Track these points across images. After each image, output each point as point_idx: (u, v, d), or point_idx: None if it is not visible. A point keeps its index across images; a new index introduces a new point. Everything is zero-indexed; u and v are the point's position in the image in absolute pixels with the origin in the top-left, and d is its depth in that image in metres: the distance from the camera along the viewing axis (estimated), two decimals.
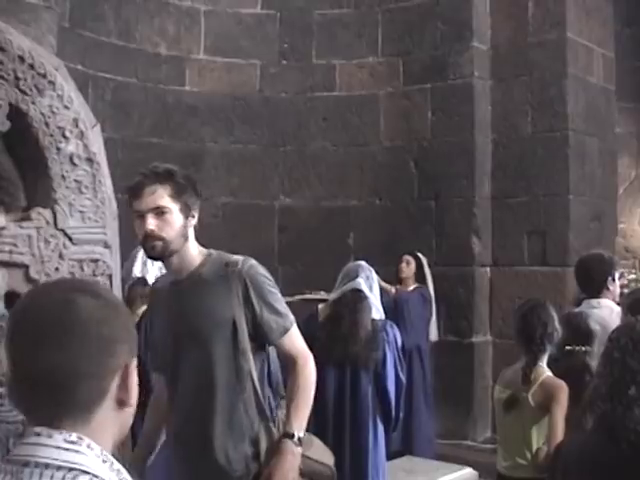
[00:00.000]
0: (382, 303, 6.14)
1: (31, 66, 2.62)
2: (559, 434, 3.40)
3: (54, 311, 1.20)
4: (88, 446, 1.17)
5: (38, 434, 1.16)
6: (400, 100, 7.51)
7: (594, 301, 4.35)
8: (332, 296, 4.59)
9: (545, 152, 6.91)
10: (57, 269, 2.67)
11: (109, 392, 1.22)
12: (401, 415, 4.46)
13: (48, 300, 1.23)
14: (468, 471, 5.07)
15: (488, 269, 7.16)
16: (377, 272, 6.29)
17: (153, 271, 5.33)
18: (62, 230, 2.69)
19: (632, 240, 9.96)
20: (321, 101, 7.77)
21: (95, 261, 2.74)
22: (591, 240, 6.79)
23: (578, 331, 3.84)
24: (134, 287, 5.05)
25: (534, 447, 3.54)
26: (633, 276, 8.71)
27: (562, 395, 3.48)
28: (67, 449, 1.15)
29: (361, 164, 7.66)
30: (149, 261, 4.99)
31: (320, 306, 4.59)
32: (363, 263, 4.62)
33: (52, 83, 2.67)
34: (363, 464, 4.29)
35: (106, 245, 2.78)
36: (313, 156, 7.78)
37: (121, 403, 1.24)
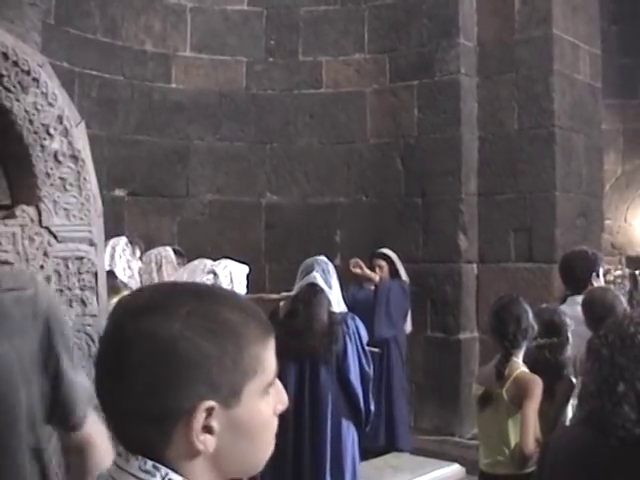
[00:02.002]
0: (363, 293, 6.18)
1: (15, 63, 2.60)
2: (531, 429, 3.41)
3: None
4: (164, 477, 1.07)
5: (119, 454, 1.10)
6: (386, 97, 7.51)
7: (578, 297, 4.38)
8: (292, 293, 4.63)
9: (531, 149, 6.92)
10: (42, 267, 2.65)
11: (172, 438, 1.07)
12: (372, 408, 4.45)
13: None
14: (455, 467, 5.08)
15: (475, 266, 7.17)
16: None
17: (121, 264, 5.30)
18: (47, 228, 2.67)
19: (618, 236, 10.04)
20: (307, 98, 7.76)
21: (80, 259, 2.72)
22: (577, 237, 6.81)
23: (547, 325, 3.85)
24: None
25: (512, 443, 3.53)
26: (619, 272, 8.76)
27: (535, 390, 3.47)
28: (140, 479, 1.07)
29: (348, 161, 7.66)
30: (117, 254, 4.90)
31: (281, 303, 4.64)
32: (320, 257, 4.61)
33: (36, 80, 2.65)
34: (322, 460, 4.28)
35: (91, 243, 2.76)
36: (300, 153, 7.77)
37: (190, 454, 1.08)
